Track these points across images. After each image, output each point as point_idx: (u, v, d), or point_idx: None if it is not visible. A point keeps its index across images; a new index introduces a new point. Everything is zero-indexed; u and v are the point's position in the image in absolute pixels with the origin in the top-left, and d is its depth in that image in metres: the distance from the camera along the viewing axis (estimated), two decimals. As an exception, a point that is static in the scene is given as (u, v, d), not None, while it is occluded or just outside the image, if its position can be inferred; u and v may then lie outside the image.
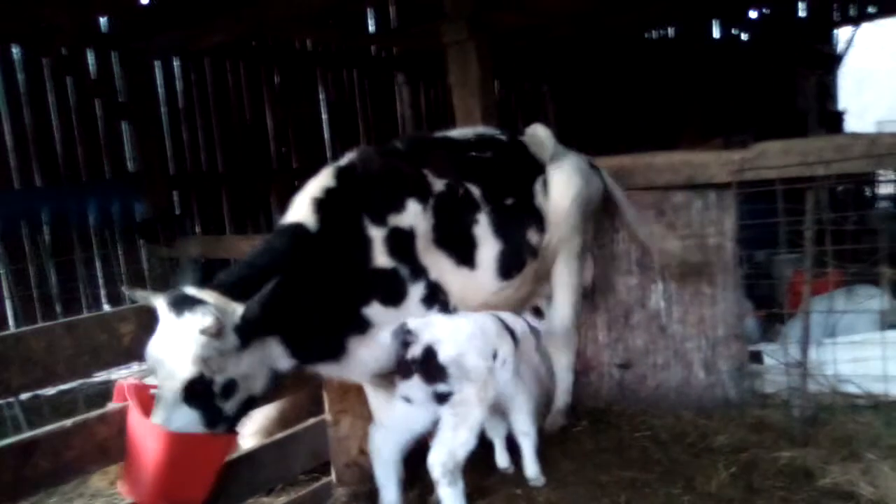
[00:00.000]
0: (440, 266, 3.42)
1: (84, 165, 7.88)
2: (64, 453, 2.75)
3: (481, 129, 4.29)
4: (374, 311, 3.21)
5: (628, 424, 4.43)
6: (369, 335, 3.22)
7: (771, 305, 5.24)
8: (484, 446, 3.89)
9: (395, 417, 3.33)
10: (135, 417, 2.84)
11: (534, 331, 3.89)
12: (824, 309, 4.65)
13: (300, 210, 3.22)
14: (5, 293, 6.77)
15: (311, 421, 3.76)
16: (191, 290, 2.83)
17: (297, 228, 3.16)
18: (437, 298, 3.38)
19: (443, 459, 3.14)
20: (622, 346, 4.85)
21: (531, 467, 3.71)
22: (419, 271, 3.33)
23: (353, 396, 3.76)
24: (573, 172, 4.06)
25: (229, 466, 3.15)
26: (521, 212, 3.82)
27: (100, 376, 5.48)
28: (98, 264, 7.60)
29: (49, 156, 7.60)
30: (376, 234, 3.24)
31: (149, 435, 2.78)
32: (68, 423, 2.82)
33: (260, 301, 2.76)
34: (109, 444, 2.88)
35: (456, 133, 4.16)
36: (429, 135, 4.21)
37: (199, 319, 2.67)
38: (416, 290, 3.32)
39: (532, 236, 3.84)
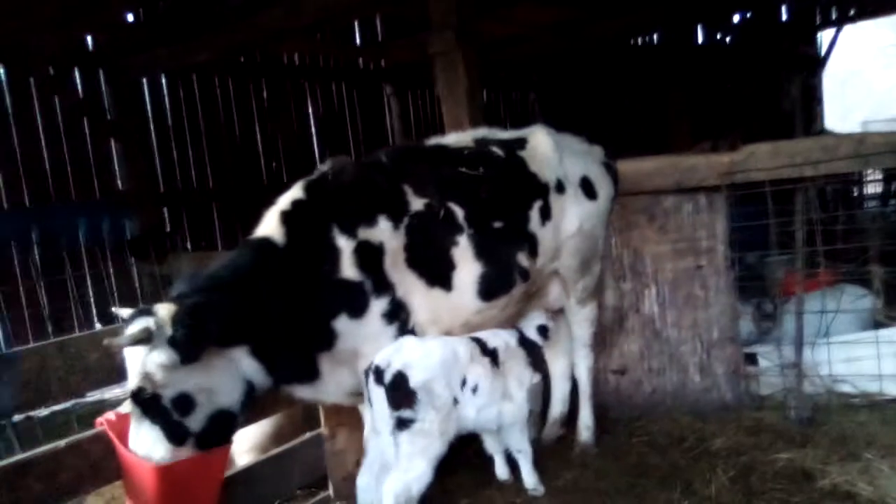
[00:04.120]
0: (409, 285, 3.32)
1: (73, 184, 7.86)
2: (58, 474, 2.73)
3: (481, 133, 4.04)
4: (342, 324, 3.15)
5: (626, 430, 4.42)
6: (337, 350, 3.17)
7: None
8: (483, 457, 3.90)
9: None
10: (122, 454, 2.83)
11: (528, 344, 3.81)
12: (811, 308, 4.64)
13: (268, 224, 3.20)
14: (-4, 314, 6.71)
15: (308, 435, 3.74)
16: (156, 305, 2.79)
17: (263, 242, 3.13)
18: (398, 316, 3.28)
19: (397, 491, 3.05)
20: (617, 352, 4.85)
21: (529, 479, 3.69)
22: (385, 287, 3.24)
23: (348, 409, 3.74)
24: (575, 203, 3.92)
25: (226, 484, 3.13)
26: (510, 236, 3.64)
27: (93, 395, 5.44)
28: (89, 283, 7.56)
29: (38, 176, 7.57)
30: (345, 245, 3.18)
31: (139, 469, 2.78)
32: (62, 443, 2.81)
33: (181, 323, 2.68)
34: (104, 464, 2.87)
35: (452, 139, 3.94)
36: (419, 145, 4.01)
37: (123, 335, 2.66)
38: (379, 305, 3.22)
39: (523, 259, 3.65)
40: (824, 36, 15.08)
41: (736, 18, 14.31)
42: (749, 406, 4.52)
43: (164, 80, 8.81)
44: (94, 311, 7.48)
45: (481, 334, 3.56)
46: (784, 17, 14.60)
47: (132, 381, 2.74)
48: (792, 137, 4.63)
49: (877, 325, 4.84)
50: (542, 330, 3.92)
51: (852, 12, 14.20)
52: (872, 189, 10.27)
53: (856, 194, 9.87)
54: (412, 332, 3.32)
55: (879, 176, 9.15)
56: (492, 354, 3.49)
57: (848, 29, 15.03)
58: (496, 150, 3.83)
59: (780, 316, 5.07)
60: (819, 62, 15.19)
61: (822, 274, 5.05)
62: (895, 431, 3.95)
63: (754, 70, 13.89)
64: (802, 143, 4.48)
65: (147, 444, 2.77)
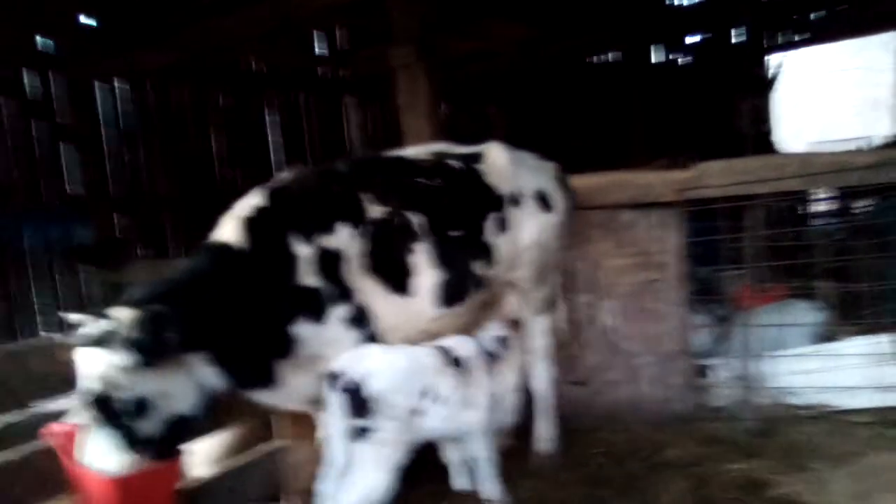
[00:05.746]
0: (369, 292, 3.37)
1: (22, 189, 7.60)
2: (5, 488, 2.63)
3: (439, 147, 4.15)
4: (300, 329, 3.17)
5: (584, 441, 4.47)
6: (296, 355, 3.18)
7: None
8: (444, 466, 3.89)
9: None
10: (72, 466, 2.75)
11: (490, 354, 3.78)
12: (762, 322, 4.77)
13: (227, 228, 3.20)
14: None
15: (266, 447, 3.68)
16: (114, 308, 2.75)
17: (222, 247, 3.14)
18: (360, 322, 3.32)
19: (355, 502, 3.01)
20: (576, 365, 4.90)
21: (490, 488, 3.69)
22: (344, 293, 3.28)
23: (308, 421, 3.69)
24: (531, 215, 4.00)
25: (180, 498, 3.07)
26: (466, 245, 3.74)
27: (44, 406, 5.27)
28: (33, 291, 7.32)
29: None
30: (303, 253, 3.22)
31: (90, 482, 2.70)
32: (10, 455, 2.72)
33: (143, 328, 2.66)
34: (54, 477, 2.78)
35: (411, 152, 4.05)
36: (378, 156, 4.09)
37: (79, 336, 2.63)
38: (339, 311, 3.26)
39: (478, 268, 3.75)
40: (775, 59, 15.58)
41: (690, 40, 14.71)
42: (703, 417, 4.61)
43: (119, 85, 8.62)
44: (40, 318, 7.25)
45: (446, 342, 3.57)
46: (735, 40, 15.06)
47: (85, 385, 2.67)
48: (744, 156, 4.77)
49: (824, 338, 5.00)
50: (502, 341, 3.94)
51: (797, 38, 14.76)
52: (818, 207, 10.61)
53: (802, 212, 10.18)
54: (375, 338, 3.33)
55: (825, 194, 9.47)
56: (456, 363, 3.49)
57: (799, 54, 15.59)
58: (454, 162, 3.95)
59: (734, 323, 5.19)
60: (770, 84, 15.69)
61: (773, 288, 5.20)
62: (840, 442, 4.08)
63: (708, 90, 14.28)
64: (753, 161, 4.63)
65: (100, 451, 2.70)
